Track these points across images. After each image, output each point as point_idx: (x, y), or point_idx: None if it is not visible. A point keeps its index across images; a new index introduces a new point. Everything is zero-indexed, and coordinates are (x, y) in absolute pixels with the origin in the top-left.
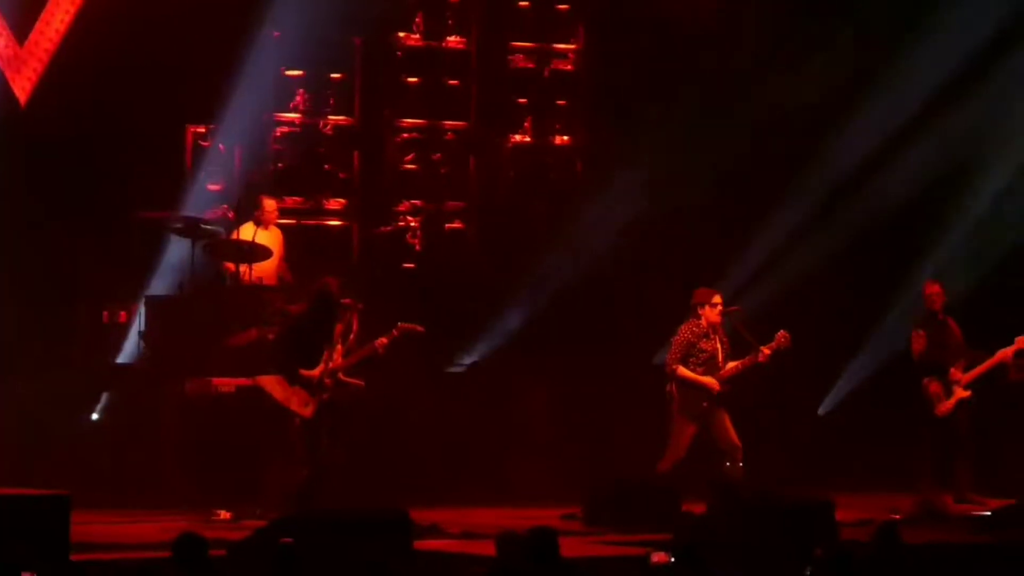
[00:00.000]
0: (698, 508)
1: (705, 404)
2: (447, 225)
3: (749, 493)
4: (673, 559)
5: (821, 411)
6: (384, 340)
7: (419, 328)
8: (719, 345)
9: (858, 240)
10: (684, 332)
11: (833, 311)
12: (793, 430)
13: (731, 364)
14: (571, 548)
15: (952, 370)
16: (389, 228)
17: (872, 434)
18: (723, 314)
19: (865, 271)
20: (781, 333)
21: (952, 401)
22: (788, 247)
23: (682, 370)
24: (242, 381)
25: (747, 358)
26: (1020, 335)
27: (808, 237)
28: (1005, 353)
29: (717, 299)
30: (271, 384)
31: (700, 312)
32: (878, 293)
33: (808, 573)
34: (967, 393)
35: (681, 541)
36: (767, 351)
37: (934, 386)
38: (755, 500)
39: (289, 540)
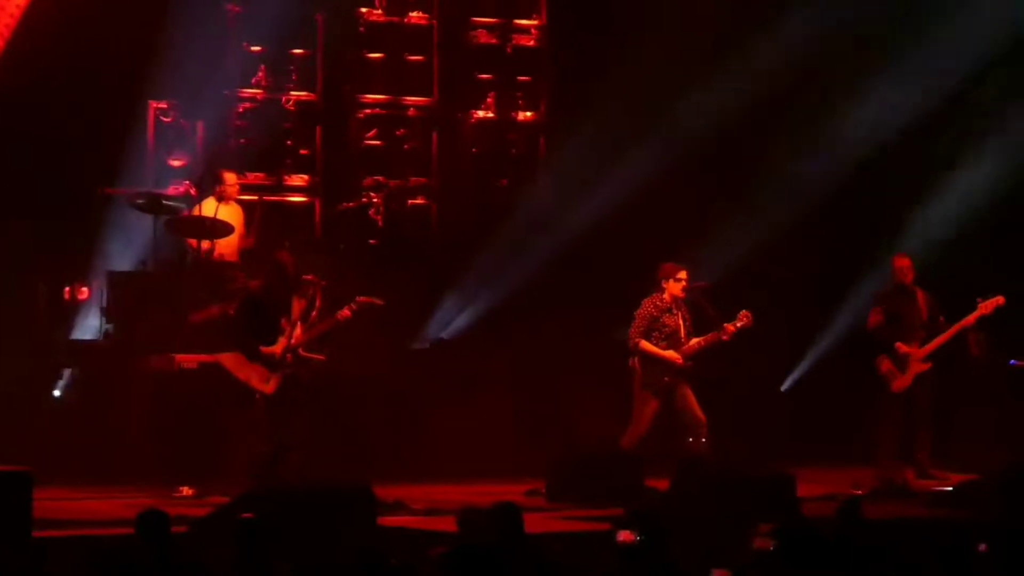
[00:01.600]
0: (662, 483)
1: (667, 379)
2: (410, 201)
3: (713, 468)
4: (639, 538)
5: (784, 388)
6: (345, 313)
7: (378, 301)
8: (681, 321)
9: (823, 215)
10: (647, 306)
11: (797, 287)
12: (756, 406)
13: (694, 340)
14: (534, 524)
15: (898, 344)
16: (352, 204)
17: (835, 410)
18: (687, 290)
19: (829, 247)
20: (744, 312)
21: (909, 376)
22: (753, 223)
23: (645, 344)
24: (204, 357)
25: (710, 335)
26: (983, 300)
27: (773, 213)
28: (966, 321)
29: (682, 274)
30: (231, 361)
31: (664, 286)
32: (842, 269)
33: (763, 548)
34: (925, 366)
35: (642, 516)
36: (730, 328)
37: (885, 364)
38: (718, 475)
39: (251, 515)
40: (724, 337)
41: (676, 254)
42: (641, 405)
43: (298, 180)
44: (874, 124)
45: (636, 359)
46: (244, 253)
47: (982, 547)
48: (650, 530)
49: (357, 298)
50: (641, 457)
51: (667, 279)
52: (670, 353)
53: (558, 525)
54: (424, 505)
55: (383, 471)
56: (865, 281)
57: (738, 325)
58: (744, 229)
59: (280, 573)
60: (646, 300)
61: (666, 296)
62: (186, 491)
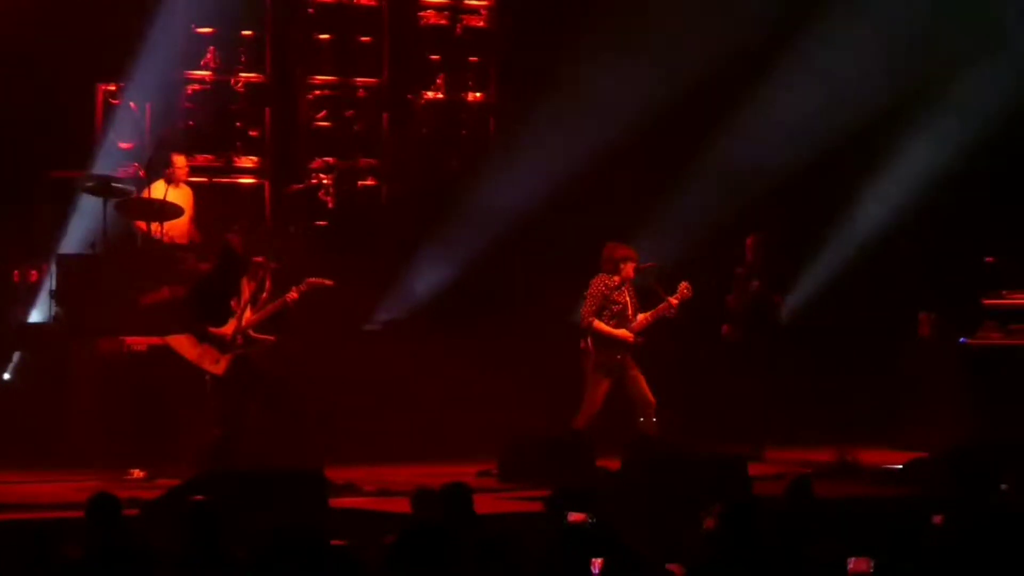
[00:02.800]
0: (613, 464)
1: (619, 357)
2: (360, 182)
3: (662, 448)
4: (591, 520)
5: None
6: (294, 294)
7: (328, 282)
8: (628, 299)
9: (778, 189)
10: (598, 285)
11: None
12: (706, 386)
13: (642, 316)
14: (485, 505)
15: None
16: (302, 186)
17: (785, 389)
18: (639, 270)
19: (784, 223)
20: (683, 284)
21: None
22: (706, 203)
23: (598, 323)
24: (155, 340)
25: (656, 309)
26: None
27: (725, 192)
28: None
29: (631, 254)
30: (181, 343)
31: (621, 267)
32: (792, 246)
33: (708, 528)
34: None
35: (571, 495)
36: (674, 301)
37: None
38: (668, 455)
39: (202, 498)
40: (671, 313)
41: (626, 235)
42: (594, 386)
43: (247, 162)
44: (812, 113)
45: (588, 340)
46: (192, 239)
47: (937, 519)
48: (573, 508)
49: (306, 279)
50: (592, 438)
51: (620, 261)
52: (622, 332)
53: (509, 506)
54: (375, 487)
55: (334, 453)
56: (812, 264)
57: (680, 297)
58: (695, 210)
59: (234, 556)
60: (595, 280)
61: (617, 277)
62: (137, 474)
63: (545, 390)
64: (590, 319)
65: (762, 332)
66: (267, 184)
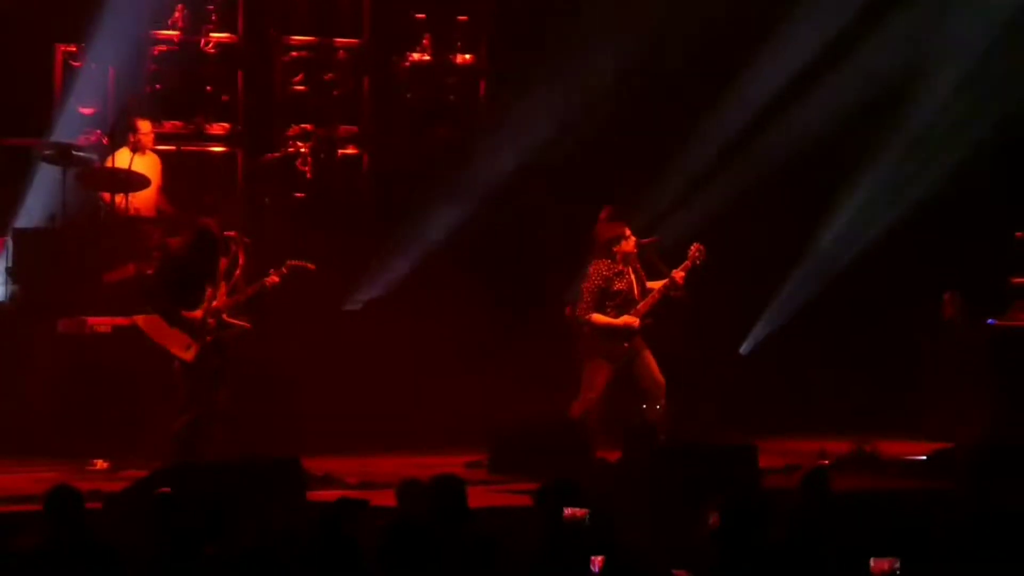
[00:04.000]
0: (613, 455)
1: (626, 344)
2: (340, 151)
3: (666, 438)
4: (588, 516)
5: (743, 351)
6: (273, 279)
7: (310, 266)
8: (633, 278)
9: (780, 172)
10: (594, 277)
11: (755, 245)
12: (714, 372)
13: (648, 299)
14: (476, 498)
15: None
16: (277, 155)
17: (798, 375)
18: (640, 246)
19: (787, 203)
20: (694, 246)
21: None
22: (707, 178)
23: (597, 318)
24: (119, 320)
25: (661, 285)
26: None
27: (727, 169)
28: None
29: (627, 231)
30: (149, 324)
31: (614, 249)
32: (800, 227)
33: (713, 523)
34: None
35: (558, 489)
36: (679, 275)
37: None
38: (672, 445)
39: (167, 490)
40: (675, 292)
41: (625, 209)
42: (594, 371)
43: (218, 129)
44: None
45: (589, 333)
46: (160, 210)
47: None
48: (566, 502)
49: (287, 262)
50: (590, 426)
51: (617, 240)
52: (626, 319)
53: (501, 499)
54: (357, 479)
55: (313, 444)
56: (828, 235)
57: (688, 265)
58: (698, 183)
59: (205, 553)
60: (592, 268)
61: (618, 258)
62: (100, 464)
63: (540, 374)
64: (587, 316)
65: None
66: (239, 153)
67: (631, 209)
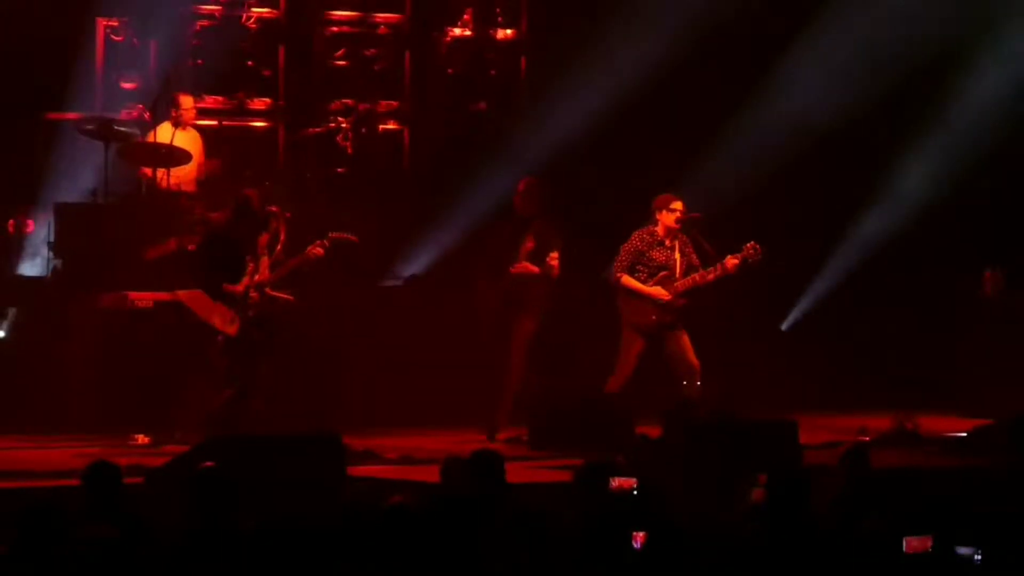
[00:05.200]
0: (653, 431)
1: (654, 317)
2: (381, 126)
3: (706, 414)
4: (636, 487)
5: (784, 327)
6: (316, 250)
7: (352, 238)
8: (677, 256)
9: (824, 146)
10: (634, 239)
11: (797, 219)
12: (755, 348)
13: (688, 278)
14: (515, 474)
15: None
16: (318, 130)
17: (839, 351)
18: (681, 221)
19: (829, 178)
20: (750, 244)
21: None
22: (751, 153)
23: (626, 279)
24: (161, 295)
25: (707, 271)
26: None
27: (771, 143)
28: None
29: (677, 204)
30: (191, 299)
31: (658, 218)
32: (842, 202)
33: (753, 500)
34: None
35: (600, 466)
36: (733, 261)
37: None
38: (712, 422)
39: (211, 464)
40: (722, 272)
41: (670, 183)
42: (626, 346)
43: (259, 104)
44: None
45: (619, 296)
46: (202, 182)
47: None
48: (602, 477)
49: (330, 234)
50: (629, 402)
51: (660, 210)
52: (655, 289)
53: (541, 475)
54: (397, 454)
55: (353, 419)
56: (868, 212)
57: (742, 258)
58: (743, 156)
59: (244, 526)
60: (635, 233)
61: (659, 229)
62: (141, 439)
63: (581, 350)
64: (618, 274)
65: None
66: (281, 128)
67: (674, 185)
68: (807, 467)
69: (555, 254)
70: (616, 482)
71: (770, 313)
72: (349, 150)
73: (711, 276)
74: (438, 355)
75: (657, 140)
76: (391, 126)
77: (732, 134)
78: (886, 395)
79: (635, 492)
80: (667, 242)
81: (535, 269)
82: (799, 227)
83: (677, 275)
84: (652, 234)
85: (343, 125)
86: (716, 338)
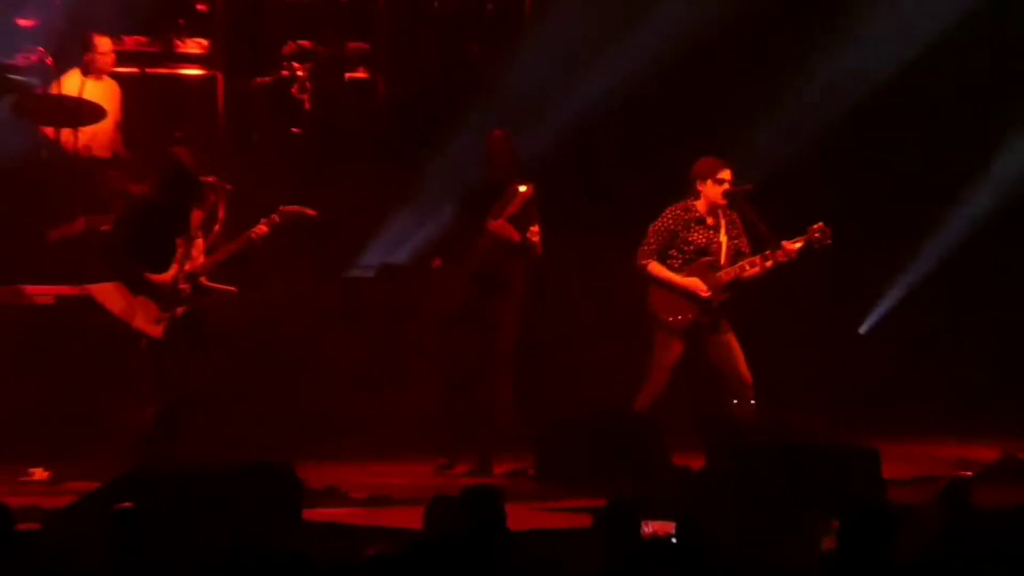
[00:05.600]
0: (694, 461)
1: (691, 316)
2: (347, 74)
3: (761, 440)
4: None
5: (862, 330)
6: (262, 229)
7: (309, 212)
8: (723, 238)
9: (910, 128)
10: (667, 217)
11: (875, 196)
12: (824, 357)
13: (736, 266)
14: (520, 517)
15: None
16: (268, 79)
17: (931, 361)
18: (730, 195)
19: (917, 146)
20: (817, 225)
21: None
22: (811, 114)
23: (654, 266)
24: (66, 289)
25: (760, 257)
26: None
27: (847, 124)
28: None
29: (724, 173)
30: (107, 293)
31: (699, 189)
32: (937, 174)
33: (823, 550)
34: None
35: (626, 507)
36: (794, 246)
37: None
38: (770, 450)
39: (129, 505)
40: (782, 258)
41: (710, 150)
42: (659, 352)
43: (194, 47)
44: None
45: (649, 288)
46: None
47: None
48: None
49: (280, 208)
50: (661, 423)
51: (703, 179)
52: (690, 280)
53: (552, 519)
54: (367, 492)
55: (311, 445)
56: (967, 189)
57: (805, 241)
58: (802, 118)
59: None
60: (669, 209)
61: (699, 204)
62: (38, 474)
63: (598, 356)
64: (644, 260)
65: None
66: (220, 77)
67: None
68: (892, 507)
69: (535, 228)
70: (649, 527)
71: (844, 313)
72: (307, 105)
73: (766, 265)
74: (417, 363)
75: (695, 98)
76: (360, 74)
77: (788, 92)
78: (990, 417)
79: (673, 539)
80: (709, 220)
81: (516, 235)
82: (878, 206)
83: (722, 262)
84: (690, 210)
85: (299, 73)
86: (773, 343)
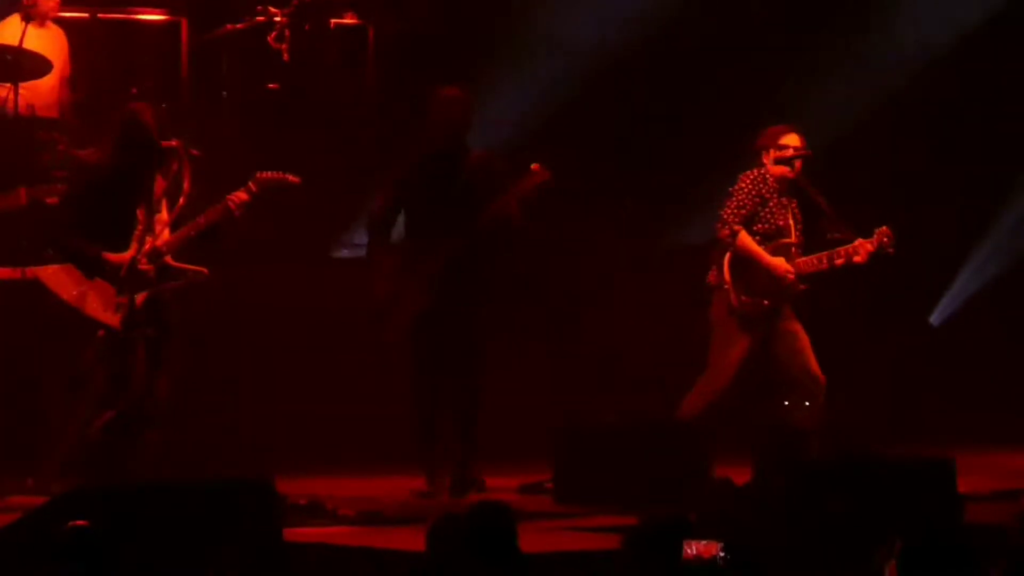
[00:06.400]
0: (739, 474)
1: (767, 303)
2: (332, 20)
3: (821, 450)
4: (724, 555)
5: (934, 320)
6: (241, 196)
7: (291, 178)
8: (792, 221)
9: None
10: (752, 180)
11: (950, 193)
12: (889, 353)
13: (810, 257)
14: (533, 540)
15: None
16: (239, 25)
17: (1014, 358)
18: (791, 162)
19: (988, 145)
20: (883, 229)
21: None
22: (872, 82)
23: (745, 237)
24: (6, 272)
25: (836, 251)
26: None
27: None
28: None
29: (791, 138)
30: (55, 277)
31: (764, 160)
32: (1006, 168)
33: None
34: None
35: (661, 528)
36: (868, 247)
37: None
38: (828, 461)
39: (83, 523)
40: (858, 259)
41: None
42: (725, 344)
43: None
44: None
45: (724, 267)
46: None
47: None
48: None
49: (256, 174)
50: (713, 431)
51: (766, 150)
52: (778, 260)
53: (572, 541)
54: (356, 509)
55: (293, 452)
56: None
57: (876, 244)
58: (862, 87)
59: None
60: (746, 173)
61: (770, 176)
62: None
63: (635, 353)
64: (736, 226)
65: None
66: (184, 23)
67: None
68: (967, 526)
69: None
70: (692, 548)
71: (913, 301)
72: (285, 56)
73: (838, 262)
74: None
75: (740, 62)
76: (348, 20)
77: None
78: None
79: (719, 562)
80: (784, 198)
81: (518, 219)
82: (952, 184)
83: (794, 247)
84: (767, 180)
85: (276, 19)
86: (837, 337)
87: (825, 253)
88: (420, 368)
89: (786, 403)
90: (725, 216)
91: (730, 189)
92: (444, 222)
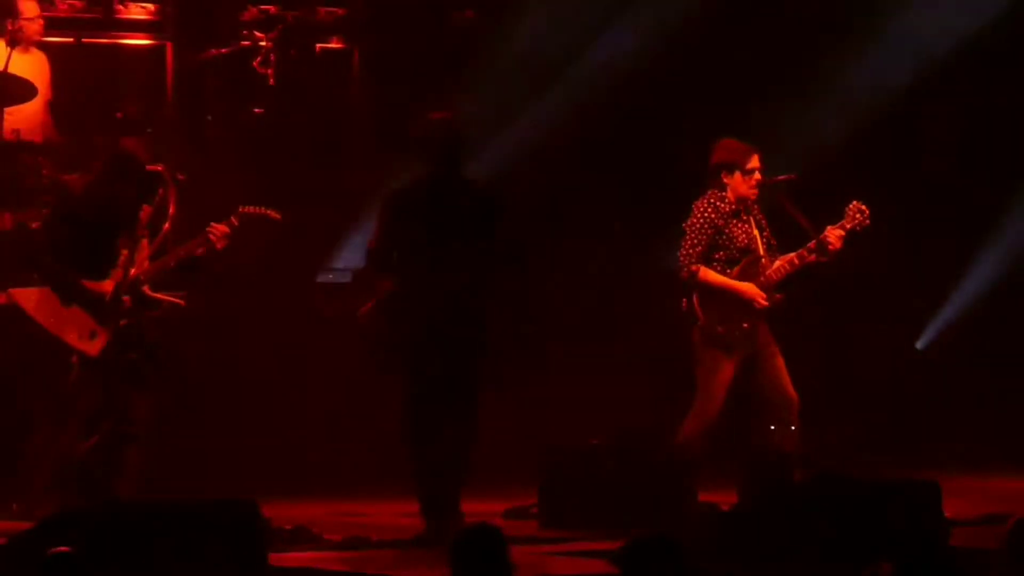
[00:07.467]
0: (723, 498)
1: (745, 324)
2: (319, 44)
3: (805, 473)
4: None
5: (920, 345)
6: (218, 231)
7: (272, 214)
8: (757, 233)
9: (970, 132)
10: (702, 211)
11: (937, 214)
12: (875, 377)
13: (778, 262)
14: (522, 563)
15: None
16: (225, 50)
17: (998, 383)
18: (764, 185)
19: (976, 166)
20: (852, 205)
21: None
22: (859, 98)
23: (705, 272)
24: None
25: (803, 249)
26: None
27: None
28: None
29: (755, 162)
30: (33, 302)
31: (726, 180)
32: (1006, 166)
33: None
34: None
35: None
36: (837, 232)
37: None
38: (813, 484)
39: (64, 550)
40: (823, 257)
41: (744, 135)
42: (708, 369)
43: (139, 11)
44: None
45: (693, 298)
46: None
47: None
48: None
49: (240, 208)
50: (700, 457)
51: (730, 168)
52: (745, 285)
53: (560, 566)
54: (343, 534)
55: (279, 477)
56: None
57: (847, 226)
58: (850, 102)
59: None
60: (698, 203)
61: (728, 195)
62: None
63: (620, 376)
64: (692, 266)
65: None
66: (169, 48)
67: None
68: (953, 549)
69: None
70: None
71: (898, 325)
72: (271, 80)
73: (810, 258)
74: (397, 384)
75: (724, 77)
76: (334, 45)
77: (834, 73)
78: None
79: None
80: (742, 214)
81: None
82: (937, 203)
83: (763, 261)
84: (722, 201)
85: (262, 43)
86: (822, 361)
87: (795, 253)
88: (417, 400)
89: (772, 427)
90: (681, 258)
91: (683, 225)
92: (442, 253)
